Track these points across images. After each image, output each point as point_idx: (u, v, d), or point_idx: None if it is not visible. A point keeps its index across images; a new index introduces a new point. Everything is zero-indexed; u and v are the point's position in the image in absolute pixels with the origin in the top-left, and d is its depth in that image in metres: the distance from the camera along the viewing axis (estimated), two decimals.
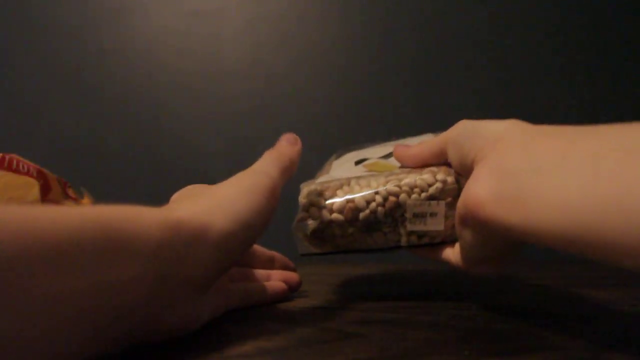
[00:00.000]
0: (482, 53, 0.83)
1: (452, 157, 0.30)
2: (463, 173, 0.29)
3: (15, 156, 0.41)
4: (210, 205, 0.24)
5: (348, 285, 0.45)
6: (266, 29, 0.84)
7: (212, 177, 0.84)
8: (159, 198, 0.30)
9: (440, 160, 0.32)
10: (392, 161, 0.35)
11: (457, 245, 0.30)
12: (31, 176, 0.40)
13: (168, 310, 0.21)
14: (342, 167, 0.39)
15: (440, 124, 0.81)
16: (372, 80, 0.83)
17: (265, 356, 0.21)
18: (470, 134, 0.27)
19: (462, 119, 0.30)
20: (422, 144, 0.33)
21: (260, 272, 0.37)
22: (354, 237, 0.32)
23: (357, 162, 0.38)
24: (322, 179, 0.35)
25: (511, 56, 0.82)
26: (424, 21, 0.83)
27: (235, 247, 0.24)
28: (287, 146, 0.31)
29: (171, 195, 0.32)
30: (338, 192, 0.32)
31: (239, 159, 0.83)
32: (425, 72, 0.83)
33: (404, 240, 0.32)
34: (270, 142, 0.33)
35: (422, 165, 0.33)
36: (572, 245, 0.18)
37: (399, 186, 0.31)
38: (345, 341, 0.23)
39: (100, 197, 0.48)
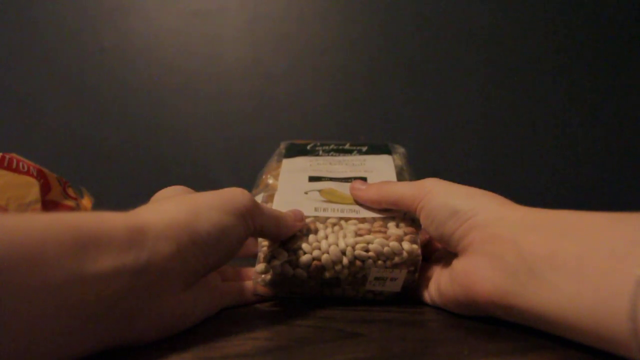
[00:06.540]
0: (482, 53, 0.83)
1: (430, 228, 0.30)
2: (443, 244, 0.30)
3: (15, 156, 0.41)
4: (185, 206, 0.25)
5: None
6: (266, 29, 0.84)
7: (212, 176, 0.84)
8: None
9: (399, 209, 0.33)
10: (348, 189, 0.35)
11: (434, 289, 0.31)
12: (31, 175, 0.40)
13: (155, 303, 0.22)
14: (293, 176, 0.38)
15: (440, 124, 0.81)
16: (372, 80, 0.84)
17: (265, 356, 0.21)
18: (449, 213, 0.28)
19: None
20: (381, 189, 0.33)
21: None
22: (311, 289, 0.32)
23: (311, 179, 0.37)
24: (276, 197, 0.35)
25: (511, 56, 0.82)
26: (424, 21, 0.83)
27: (208, 248, 0.24)
28: (291, 215, 0.32)
29: None
30: (304, 245, 0.31)
31: (239, 159, 0.84)
32: (425, 72, 0.83)
33: (360, 296, 0.33)
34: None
35: (380, 207, 0.33)
36: (565, 333, 0.21)
37: (367, 250, 0.31)
38: (345, 341, 0.23)
39: (100, 197, 0.48)
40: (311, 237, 0.32)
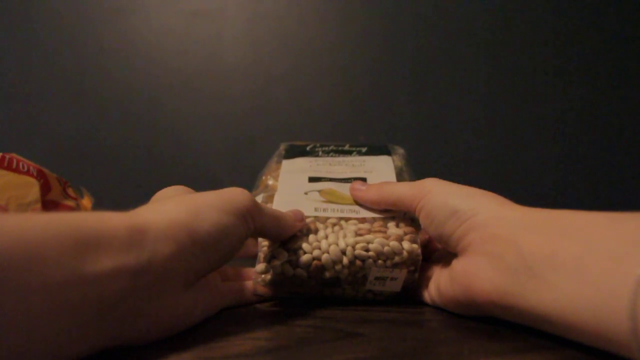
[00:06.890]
0: (483, 53, 0.83)
1: (430, 228, 0.30)
2: (443, 244, 0.30)
3: (15, 156, 0.41)
4: (185, 206, 0.25)
5: None
6: (266, 29, 0.84)
7: (212, 176, 0.84)
8: None
9: (399, 209, 0.33)
10: (348, 190, 0.35)
11: (434, 289, 0.31)
12: (31, 175, 0.40)
13: (155, 303, 0.22)
14: (293, 177, 0.38)
15: (440, 124, 0.81)
16: (372, 80, 0.84)
17: (265, 356, 0.21)
18: (449, 213, 0.28)
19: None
20: (381, 189, 0.33)
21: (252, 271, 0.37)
22: (311, 289, 0.32)
23: (311, 179, 0.37)
24: (276, 197, 0.35)
25: (511, 56, 0.82)
26: (424, 21, 0.83)
27: (208, 248, 0.24)
28: (291, 215, 0.32)
29: None
30: (304, 245, 0.31)
31: (239, 159, 0.84)
32: (425, 72, 0.83)
33: (360, 296, 0.33)
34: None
35: (380, 208, 0.33)
36: (565, 333, 0.21)
37: (367, 249, 0.31)
38: (345, 341, 0.23)
39: (100, 197, 0.48)
40: (311, 237, 0.32)
